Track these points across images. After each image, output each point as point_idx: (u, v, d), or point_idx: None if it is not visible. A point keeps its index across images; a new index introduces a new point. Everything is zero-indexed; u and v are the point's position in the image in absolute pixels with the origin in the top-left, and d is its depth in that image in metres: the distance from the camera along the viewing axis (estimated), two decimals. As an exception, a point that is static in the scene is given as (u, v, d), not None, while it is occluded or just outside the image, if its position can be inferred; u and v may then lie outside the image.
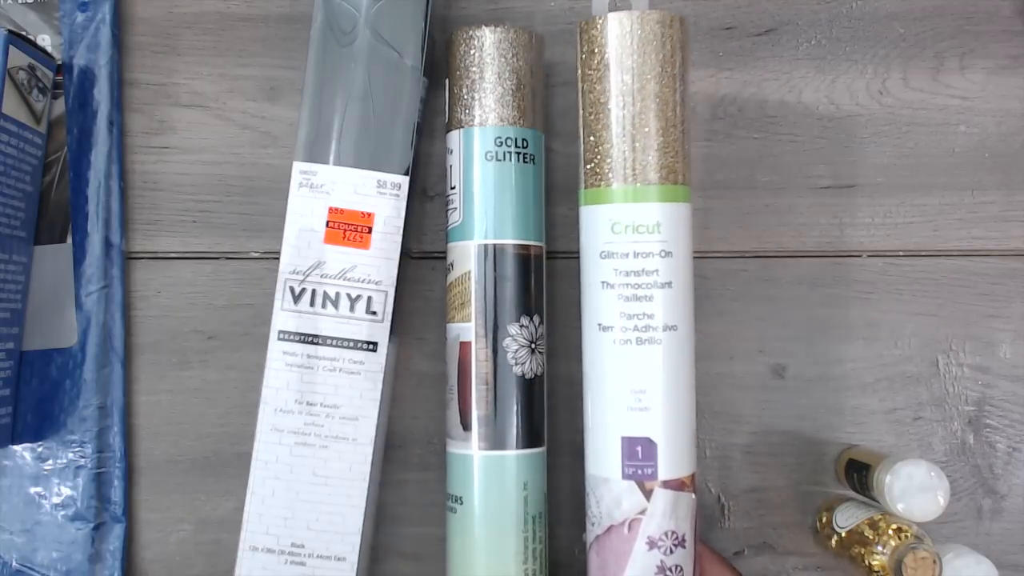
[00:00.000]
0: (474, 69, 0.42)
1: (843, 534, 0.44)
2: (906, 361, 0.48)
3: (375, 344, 0.41)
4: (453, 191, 0.43)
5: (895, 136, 0.48)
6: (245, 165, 0.47)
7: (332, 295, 0.41)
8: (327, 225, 0.41)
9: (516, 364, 0.42)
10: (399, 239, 0.41)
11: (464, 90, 0.43)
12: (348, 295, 0.41)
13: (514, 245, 0.42)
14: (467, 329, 0.41)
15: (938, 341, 0.48)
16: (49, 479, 0.45)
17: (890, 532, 0.42)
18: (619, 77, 0.38)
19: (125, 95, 0.47)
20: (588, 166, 0.39)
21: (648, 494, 0.37)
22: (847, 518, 0.44)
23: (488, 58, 0.42)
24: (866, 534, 0.42)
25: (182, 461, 0.46)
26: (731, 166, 0.48)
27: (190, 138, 0.47)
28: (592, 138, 0.39)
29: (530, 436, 0.42)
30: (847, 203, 0.48)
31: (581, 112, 0.39)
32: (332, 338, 0.41)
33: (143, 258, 0.47)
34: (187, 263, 0.47)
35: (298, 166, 0.41)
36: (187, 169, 0.47)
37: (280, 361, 0.41)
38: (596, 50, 0.38)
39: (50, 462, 0.45)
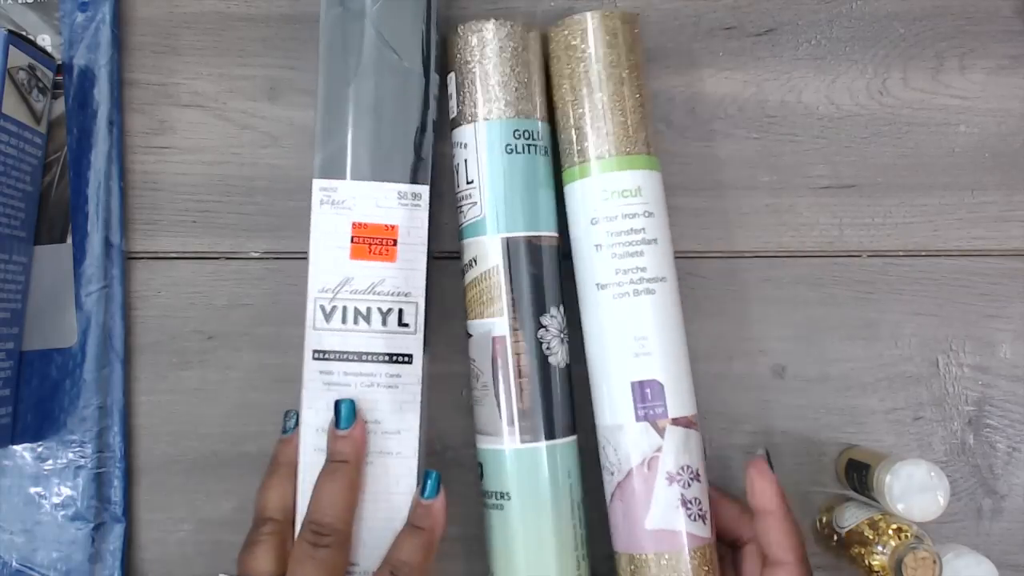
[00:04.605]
0: (489, 63, 0.42)
1: (843, 534, 0.44)
2: (906, 361, 0.48)
3: (410, 356, 0.40)
4: (470, 185, 0.42)
5: (895, 136, 0.48)
6: (245, 165, 0.47)
7: (363, 310, 0.40)
8: (352, 241, 0.41)
9: (551, 355, 0.42)
10: (424, 249, 0.41)
11: (479, 84, 0.43)
12: (379, 309, 0.40)
13: (538, 236, 0.42)
14: (499, 324, 0.41)
15: (938, 341, 0.48)
16: (49, 479, 0.45)
17: (890, 532, 0.42)
18: (598, 67, 0.42)
19: (125, 95, 0.47)
20: (577, 147, 0.42)
21: (661, 432, 0.40)
22: (847, 518, 0.44)
23: (504, 52, 0.42)
24: (866, 534, 0.42)
25: (182, 461, 0.46)
26: (731, 166, 0.48)
27: (190, 138, 0.47)
28: (578, 121, 0.42)
29: (567, 425, 0.42)
30: (847, 203, 0.48)
31: (568, 101, 0.43)
32: (367, 353, 0.40)
33: (143, 258, 0.47)
34: (187, 263, 0.47)
35: (317, 183, 0.41)
36: (187, 169, 0.47)
37: (317, 381, 0.40)
38: (577, 46, 0.42)
39: (50, 462, 0.45)
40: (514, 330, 0.41)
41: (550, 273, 0.42)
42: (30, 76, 0.43)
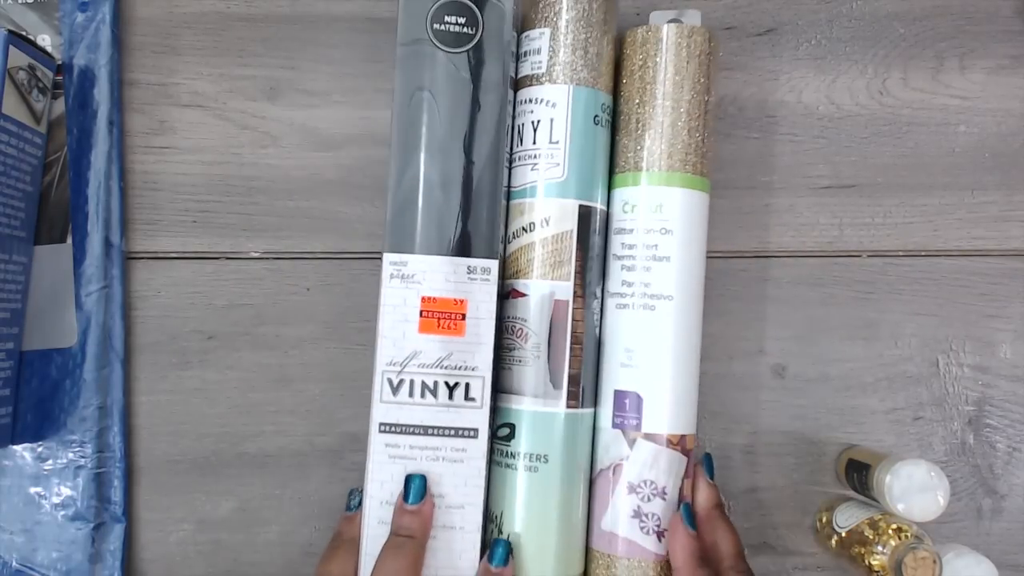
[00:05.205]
0: (594, 31, 0.42)
1: (843, 534, 0.44)
2: (906, 361, 0.48)
3: (476, 431, 0.40)
4: (554, 145, 0.42)
5: (895, 136, 0.48)
6: (245, 165, 0.47)
7: (430, 384, 0.40)
8: (421, 315, 0.40)
9: (597, 327, 0.43)
10: (492, 324, 0.41)
11: (579, 48, 0.42)
12: (446, 383, 0.40)
13: (602, 211, 0.43)
14: (564, 288, 0.42)
15: (938, 341, 0.48)
16: (49, 479, 0.45)
17: (890, 532, 0.42)
18: (665, 81, 0.42)
19: (125, 95, 0.47)
20: (624, 154, 0.43)
21: (631, 443, 0.41)
22: (847, 518, 0.44)
23: (607, 25, 0.42)
24: (866, 534, 0.42)
25: (182, 461, 0.46)
26: (731, 166, 0.48)
27: (190, 138, 0.47)
28: (632, 128, 0.43)
29: (596, 396, 0.43)
30: (847, 203, 0.48)
31: (630, 106, 0.43)
32: (433, 427, 0.40)
33: (143, 258, 0.47)
34: (187, 263, 0.47)
35: (388, 257, 0.40)
36: (187, 169, 0.47)
37: (383, 454, 0.40)
38: (635, 58, 0.43)
39: (50, 462, 0.45)
40: (578, 296, 0.42)
41: (604, 250, 0.43)
42: (30, 76, 0.43)
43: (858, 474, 0.44)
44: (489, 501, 0.42)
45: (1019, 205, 0.48)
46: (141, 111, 0.47)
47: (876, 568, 0.41)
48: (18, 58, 0.43)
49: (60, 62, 0.46)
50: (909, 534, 0.41)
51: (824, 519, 0.46)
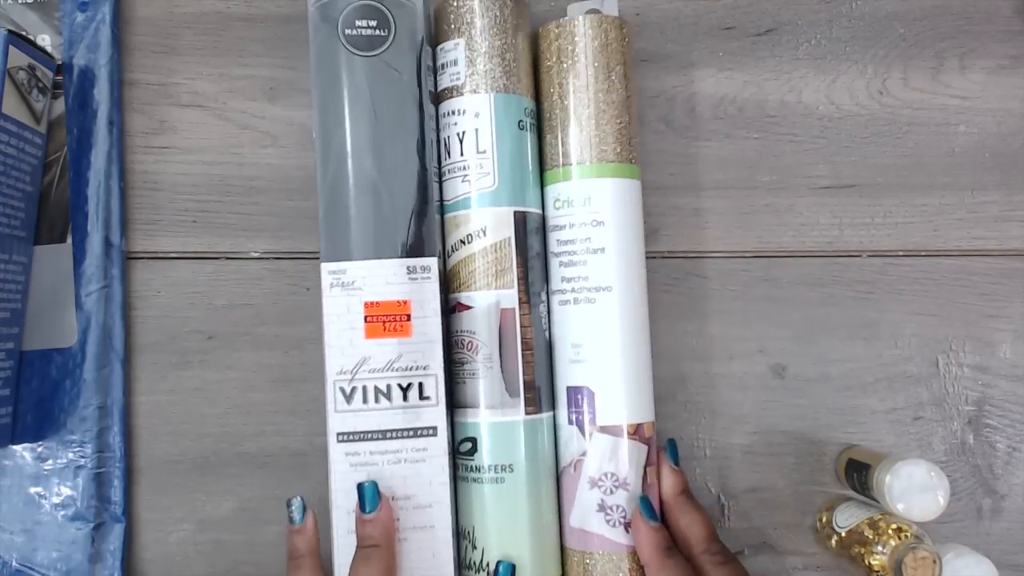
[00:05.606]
0: (507, 36, 0.42)
1: (843, 534, 0.44)
2: (906, 361, 0.48)
3: (434, 428, 0.40)
4: (482, 155, 0.42)
5: (895, 136, 0.48)
6: (245, 165, 0.47)
7: (383, 388, 0.40)
8: (365, 320, 0.40)
9: (546, 329, 0.43)
10: (439, 321, 0.41)
11: (497, 56, 0.42)
12: (399, 385, 0.40)
13: (537, 215, 0.43)
14: (509, 296, 0.42)
15: (938, 341, 0.48)
16: (49, 479, 0.45)
17: (890, 532, 0.42)
18: (584, 73, 0.42)
19: (125, 95, 0.47)
20: (552, 151, 0.43)
21: (588, 437, 0.41)
22: (847, 518, 0.44)
23: (521, 31, 0.43)
24: (866, 534, 0.42)
25: (182, 461, 0.46)
26: (731, 166, 0.48)
27: (190, 138, 0.47)
28: (555, 124, 0.43)
29: (554, 398, 0.43)
30: (847, 203, 0.48)
31: (551, 103, 0.43)
32: (391, 431, 0.40)
33: (143, 258, 0.47)
34: (187, 263, 0.47)
35: (326, 267, 0.40)
36: (187, 169, 0.47)
37: (344, 463, 0.40)
38: (551, 52, 0.43)
39: (50, 462, 0.45)
40: (524, 303, 0.42)
41: (546, 251, 0.43)
42: (30, 76, 0.43)
43: (858, 474, 0.44)
44: (459, 517, 0.42)
45: (1019, 205, 0.48)
46: (141, 111, 0.47)
47: (876, 568, 0.41)
48: (18, 58, 0.43)
49: (60, 62, 0.46)
50: (909, 534, 0.41)
51: (824, 519, 0.46)
